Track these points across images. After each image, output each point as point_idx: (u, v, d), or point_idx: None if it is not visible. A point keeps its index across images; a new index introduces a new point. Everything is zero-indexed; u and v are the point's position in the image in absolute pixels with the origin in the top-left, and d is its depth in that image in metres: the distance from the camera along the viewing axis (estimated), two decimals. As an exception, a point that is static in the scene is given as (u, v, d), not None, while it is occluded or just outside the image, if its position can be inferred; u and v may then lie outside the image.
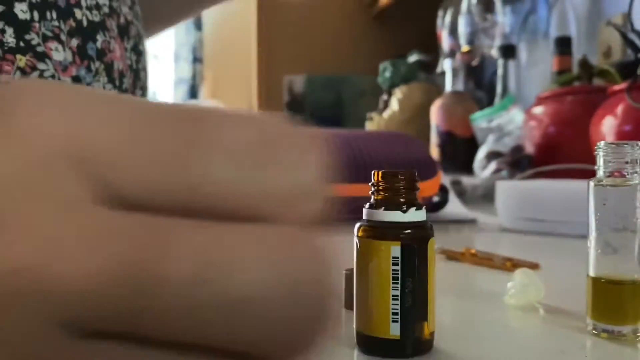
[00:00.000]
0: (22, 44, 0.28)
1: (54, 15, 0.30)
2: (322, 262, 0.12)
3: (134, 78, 0.36)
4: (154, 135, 0.12)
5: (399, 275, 0.25)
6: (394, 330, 0.25)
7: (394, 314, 0.25)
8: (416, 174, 0.27)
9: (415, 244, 0.25)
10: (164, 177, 0.12)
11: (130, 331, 0.11)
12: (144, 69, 0.38)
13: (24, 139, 0.11)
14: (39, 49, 0.29)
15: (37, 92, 0.12)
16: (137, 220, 0.11)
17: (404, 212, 0.25)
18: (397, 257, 0.25)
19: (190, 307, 0.11)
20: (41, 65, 0.29)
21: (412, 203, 0.26)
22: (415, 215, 0.26)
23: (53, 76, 0.30)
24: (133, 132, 0.12)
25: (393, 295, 0.25)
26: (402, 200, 0.26)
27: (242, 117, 0.12)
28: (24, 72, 0.28)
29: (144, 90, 0.38)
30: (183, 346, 0.11)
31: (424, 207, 0.26)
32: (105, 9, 0.33)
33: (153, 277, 0.11)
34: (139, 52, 0.37)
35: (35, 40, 0.29)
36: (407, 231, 0.25)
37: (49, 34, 0.30)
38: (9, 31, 0.28)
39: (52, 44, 0.30)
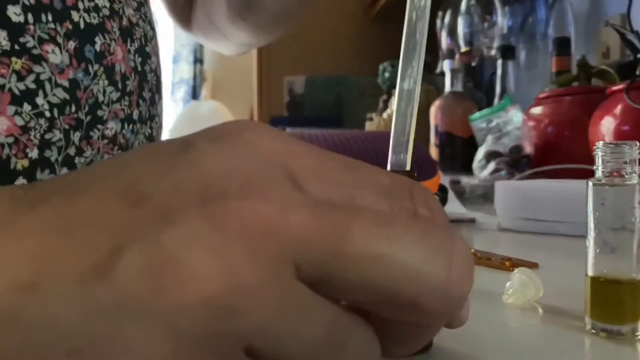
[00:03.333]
0: (17, 46, 0.28)
1: (50, 17, 0.29)
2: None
3: (139, 80, 0.35)
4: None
5: (399, 275, 0.25)
6: (394, 329, 0.25)
7: (393, 313, 0.25)
8: (415, 174, 0.27)
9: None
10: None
11: None
12: (153, 71, 0.37)
13: (251, 146, 0.15)
14: (35, 51, 0.29)
15: (254, 126, 0.16)
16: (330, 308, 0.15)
17: (404, 211, 0.25)
18: (397, 257, 0.25)
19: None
20: (37, 68, 0.29)
21: (411, 203, 0.26)
22: (415, 214, 0.26)
23: (50, 79, 0.29)
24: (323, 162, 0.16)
25: (393, 295, 0.25)
26: (401, 200, 0.26)
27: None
28: (19, 74, 0.28)
29: (154, 92, 0.37)
30: None
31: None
32: (105, 11, 0.33)
33: None
34: (145, 54, 0.36)
35: (30, 42, 0.28)
36: (406, 231, 0.25)
37: (45, 36, 0.29)
38: (3, 34, 0.27)
39: (49, 47, 0.29)
